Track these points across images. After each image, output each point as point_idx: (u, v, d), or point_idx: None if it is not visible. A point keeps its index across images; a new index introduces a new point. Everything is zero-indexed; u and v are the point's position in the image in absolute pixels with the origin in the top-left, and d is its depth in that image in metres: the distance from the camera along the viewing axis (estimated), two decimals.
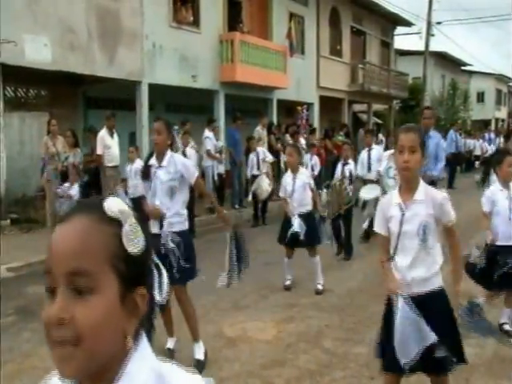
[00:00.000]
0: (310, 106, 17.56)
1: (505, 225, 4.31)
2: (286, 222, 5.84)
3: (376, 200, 7.61)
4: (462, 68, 38.98)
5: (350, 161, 7.65)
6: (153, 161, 4.09)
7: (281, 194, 6.08)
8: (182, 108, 13.55)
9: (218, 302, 5.54)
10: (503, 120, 45.63)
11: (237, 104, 13.74)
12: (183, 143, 8.78)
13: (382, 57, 24.30)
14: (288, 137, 13.68)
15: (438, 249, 2.72)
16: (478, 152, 22.25)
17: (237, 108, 13.12)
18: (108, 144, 9.38)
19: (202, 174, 11.89)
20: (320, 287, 5.86)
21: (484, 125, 34.43)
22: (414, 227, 2.64)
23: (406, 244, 2.67)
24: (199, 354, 4.00)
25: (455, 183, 16.26)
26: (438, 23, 27.05)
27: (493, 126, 37.73)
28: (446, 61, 34.84)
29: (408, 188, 2.68)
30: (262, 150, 10.82)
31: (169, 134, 4.10)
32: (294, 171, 5.85)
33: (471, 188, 13.41)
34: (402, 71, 25.62)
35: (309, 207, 5.86)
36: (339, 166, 7.69)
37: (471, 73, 41.31)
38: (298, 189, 5.79)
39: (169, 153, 4.06)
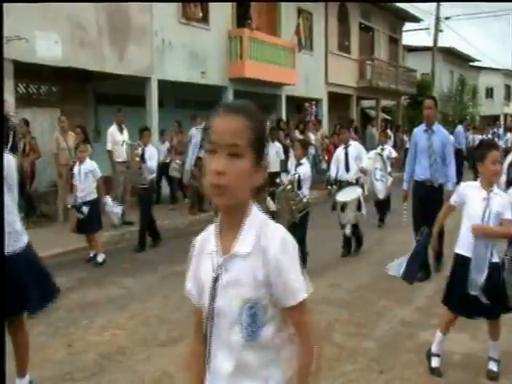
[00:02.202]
0: (318, 102, 17.57)
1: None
2: None
3: (358, 202, 7.00)
4: (471, 64, 38.73)
5: (304, 161, 6.52)
6: None
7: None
8: (191, 104, 13.62)
9: None
10: None
11: (246, 100, 13.77)
12: (144, 141, 7.92)
13: (390, 53, 24.22)
14: (297, 133, 13.75)
15: (284, 344, 1.45)
16: None
17: None
18: (117, 140, 9.47)
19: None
20: None
21: (493, 120, 34.22)
22: (230, 307, 1.40)
23: (222, 334, 1.44)
24: None
25: (463, 179, 16.33)
26: (447, 18, 26.93)
27: (502, 122, 37.54)
28: (455, 56, 34.65)
29: (229, 224, 1.43)
30: None
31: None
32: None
33: None
34: (410, 67, 25.52)
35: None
36: (292, 168, 6.63)
37: (480, 68, 41.04)
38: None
39: None
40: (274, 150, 11.32)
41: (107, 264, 7.11)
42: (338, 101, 19.42)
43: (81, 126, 9.11)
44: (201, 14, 13.04)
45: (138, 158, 7.81)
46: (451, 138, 18.26)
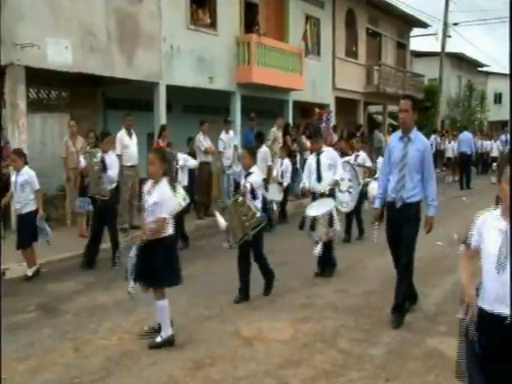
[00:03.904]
0: (326, 107, 17.61)
1: (493, 279, 2.58)
2: None
3: (330, 216, 6.35)
4: (479, 69, 38.58)
5: (253, 169, 5.87)
6: None
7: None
8: (199, 109, 13.68)
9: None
10: None
11: (253, 105, 13.83)
12: (103, 148, 7.29)
13: (397, 58, 24.21)
14: (304, 138, 13.77)
15: None
16: (495, 153, 22.01)
17: (253, 109, 13.21)
18: (126, 144, 9.53)
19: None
20: (159, 340, 4.48)
21: (501, 126, 34.07)
22: None
23: None
24: None
25: (471, 184, 16.53)
26: (455, 24, 26.85)
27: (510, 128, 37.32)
28: (463, 62, 34.51)
29: None
30: (182, 157, 8.71)
31: None
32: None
33: (488, 190, 13.39)
34: (417, 72, 25.48)
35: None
36: (242, 178, 6.06)
37: (488, 74, 40.88)
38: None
39: None
40: (260, 155, 9.71)
41: (114, 268, 7.13)
42: (345, 106, 19.43)
43: (93, 129, 9.18)
44: (209, 20, 13.13)
45: (97, 167, 7.17)
46: (453, 144, 18.31)
